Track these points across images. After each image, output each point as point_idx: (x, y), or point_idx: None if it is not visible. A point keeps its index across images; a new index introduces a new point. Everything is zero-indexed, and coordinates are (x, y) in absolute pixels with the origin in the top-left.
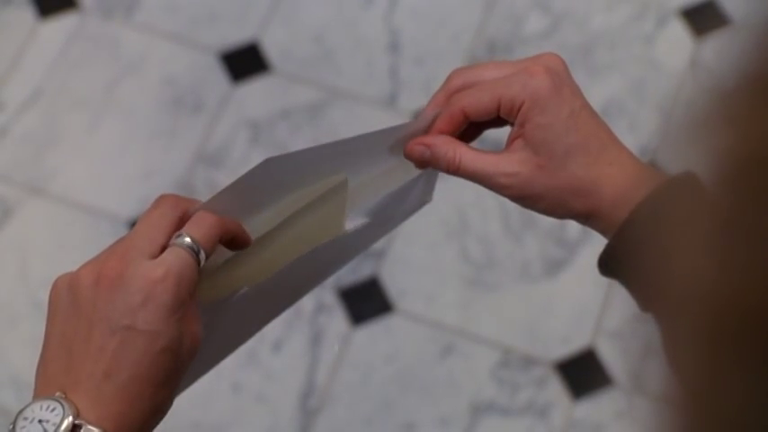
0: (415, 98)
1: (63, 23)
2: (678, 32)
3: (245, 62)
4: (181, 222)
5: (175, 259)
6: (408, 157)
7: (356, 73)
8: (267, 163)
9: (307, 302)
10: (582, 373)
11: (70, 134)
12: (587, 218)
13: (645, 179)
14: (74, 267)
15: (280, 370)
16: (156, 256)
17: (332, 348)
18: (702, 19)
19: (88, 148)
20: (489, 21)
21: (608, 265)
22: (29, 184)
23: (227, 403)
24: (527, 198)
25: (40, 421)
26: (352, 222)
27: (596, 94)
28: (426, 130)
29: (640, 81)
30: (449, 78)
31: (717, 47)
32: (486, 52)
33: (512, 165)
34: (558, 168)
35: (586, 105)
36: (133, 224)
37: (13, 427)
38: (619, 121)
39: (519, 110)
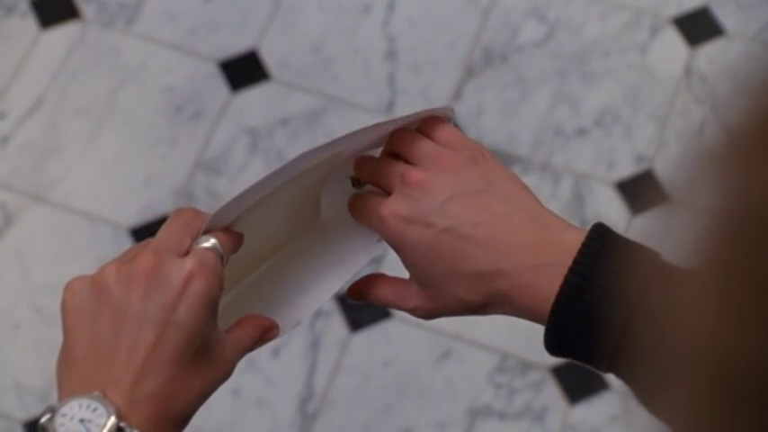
0: (413, 106)
1: (64, 33)
2: (672, 41)
3: (244, 70)
4: (200, 232)
5: (204, 255)
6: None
7: (354, 81)
8: (302, 157)
9: None
10: (578, 378)
11: (71, 142)
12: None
13: (539, 256)
14: (74, 274)
15: (279, 375)
16: (183, 257)
17: (330, 353)
18: (696, 27)
19: (89, 156)
20: (485, 29)
21: (558, 347)
22: (30, 192)
23: (227, 408)
24: (437, 319)
25: (81, 420)
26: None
27: (591, 101)
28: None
29: (635, 89)
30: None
31: (710, 55)
32: (482, 60)
33: (411, 299)
34: (444, 296)
35: (448, 229)
36: (134, 231)
37: (51, 422)
38: (614, 128)
39: None
